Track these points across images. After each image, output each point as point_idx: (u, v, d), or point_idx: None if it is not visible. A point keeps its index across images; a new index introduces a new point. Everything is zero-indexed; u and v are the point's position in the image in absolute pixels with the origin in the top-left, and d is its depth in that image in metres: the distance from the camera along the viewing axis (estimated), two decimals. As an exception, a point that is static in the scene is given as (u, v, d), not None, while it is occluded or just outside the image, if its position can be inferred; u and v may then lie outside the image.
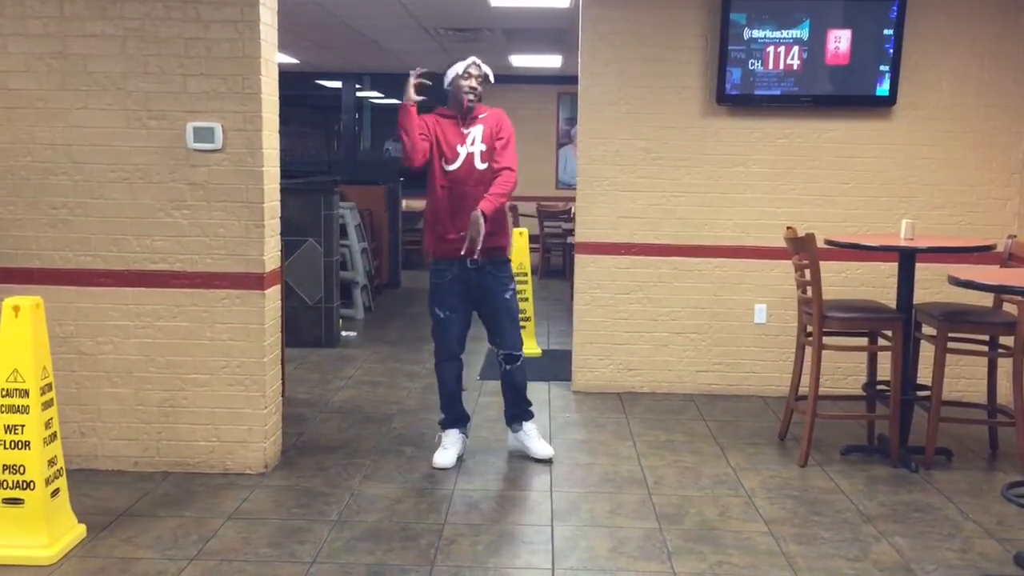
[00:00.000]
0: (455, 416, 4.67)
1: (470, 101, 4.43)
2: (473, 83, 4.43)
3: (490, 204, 4.30)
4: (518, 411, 4.70)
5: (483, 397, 5.78)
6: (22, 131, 4.20)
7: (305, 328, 7.13)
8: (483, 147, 4.43)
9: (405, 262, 11.29)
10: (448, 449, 4.58)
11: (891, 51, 5.54)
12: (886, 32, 5.52)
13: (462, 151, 4.41)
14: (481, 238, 4.23)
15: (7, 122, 4.19)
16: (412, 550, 3.57)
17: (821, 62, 5.58)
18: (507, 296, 4.55)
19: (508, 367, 4.62)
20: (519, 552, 3.59)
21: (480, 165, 4.42)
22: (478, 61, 4.48)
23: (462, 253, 4.33)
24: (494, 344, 4.65)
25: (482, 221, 4.24)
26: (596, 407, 5.65)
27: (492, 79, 4.53)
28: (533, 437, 4.67)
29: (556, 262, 12.03)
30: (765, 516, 3.96)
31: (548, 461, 4.59)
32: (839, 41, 5.56)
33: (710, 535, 3.76)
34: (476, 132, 4.45)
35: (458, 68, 4.44)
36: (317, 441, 4.90)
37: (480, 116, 4.49)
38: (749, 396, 5.89)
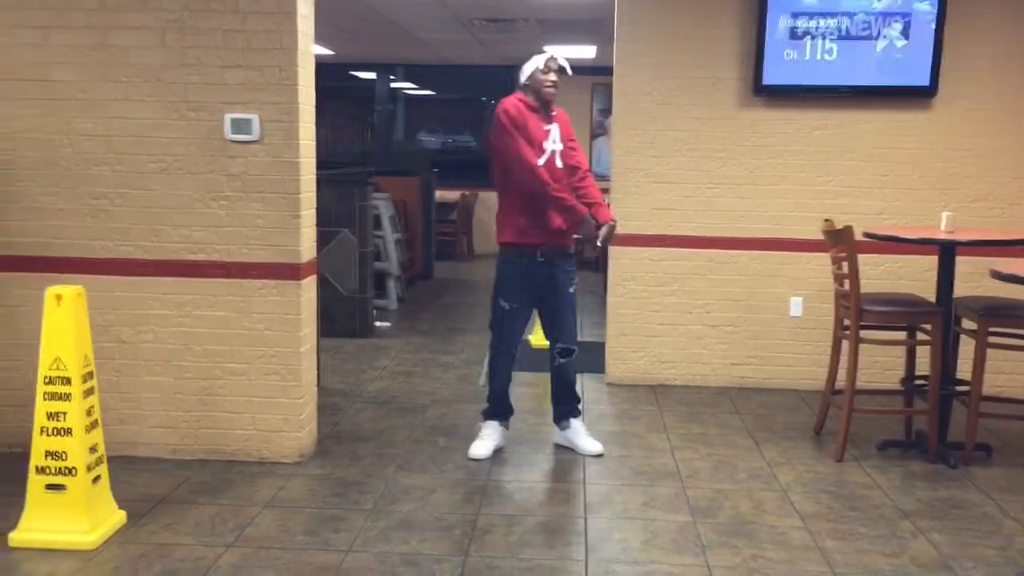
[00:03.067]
0: (500, 409, 4.68)
1: (552, 97, 4.42)
2: (553, 77, 4.41)
3: (606, 213, 4.56)
4: (567, 408, 4.70)
5: (516, 388, 5.78)
6: (63, 122, 4.25)
7: (340, 318, 7.17)
8: (560, 146, 4.45)
9: (439, 253, 11.32)
10: (485, 440, 4.59)
11: (932, 40, 5.45)
12: (927, 20, 5.44)
13: (547, 147, 4.40)
14: (593, 243, 4.46)
15: (49, 113, 4.25)
16: (446, 540, 3.59)
17: (859, 52, 5.51)
18: (571, 291, 4.56)
19: (563, 360, 4.62)
20: (553, 543, 3.60)
21: (559, 163, 4.43)
22: (556, 55, 4.46)
23: (574, 250, 4.54)
24: (551, 337, 4.64)
25: (594, 225, 4.44)
26: (629, 399, 5.64)
27: (570, 72, 4.51)
28: (582, 434, 4.66)
29: (590, 254, 11.98)
30: (800, 511, 3.93)
31: (599, 456, 4.58)
32: (878, 31, 5.48)
33: (744, 529, 3.74)
34: (555, 131, 4.45)
35: (538, 62, 4.41)
36: (352, 431, 4.94)
37: (554, 113, 4.51)
38: (784, 390, 5.84)
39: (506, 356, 4.61)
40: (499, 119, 4.37)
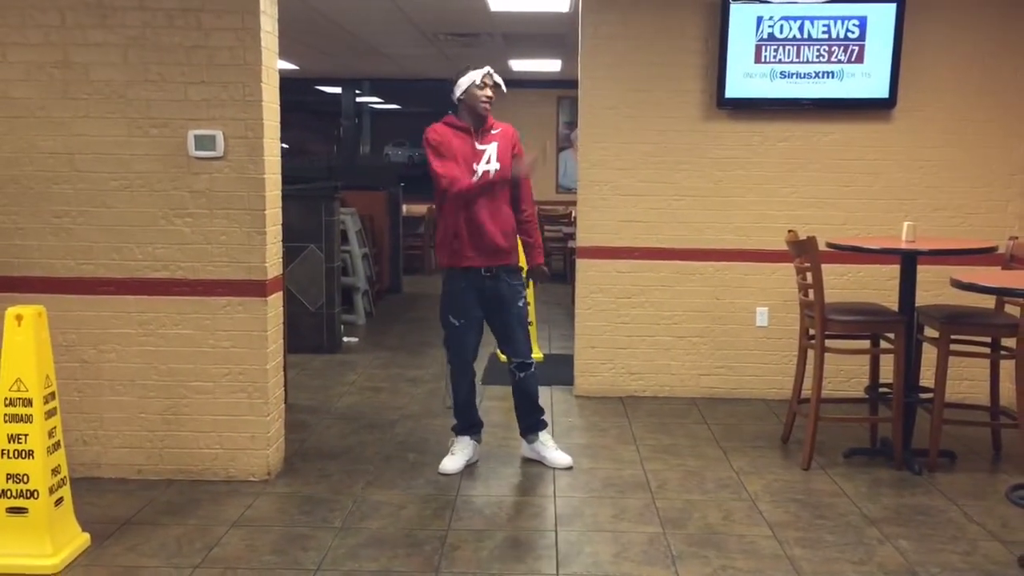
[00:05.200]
0: (468, 423, 4.66)
1: (486, 111, 4.38)
2: (489, 92, 4.37)
3: (538, 256, 4.69)
4: (532, 421, 4.69)
5: (485, 402, 5.78)
6: (24, 140, 4.20)
7: (307, 334, 7.13)
8: (498, 165, 4.37)
9: (406, 267, 11.29)
10: (456, 455, 4.58)
11: (891, 53, 5.54)
12: (886, 35, 5.52)
13: (478, 169, 4.34)
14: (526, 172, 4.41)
15: (9, 131, 4.20)
16: (416, 556, 3.57)
17: (821, 65, 5.58)
18: (520, 304, 4.54)
19: (521, 375, 4.61)
20: (523, 557, 3.59)
21: (493, 177, 4.36)
22: (491, 71, 4.40)
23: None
24: (505, 353, 4.64)
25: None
26: (598, 411, 5.65)
27: (504, 89, 4.47)
28: (550, 447, 4.66)
29: (557, 266, 12.01)
30: (769, 520, 3.96)
31: (569, 469, 4.58)
32: (839, 44, 5.56)
33: (714, 539, 3.75)
34: (491, 150, 4.38)
35: (474, 77, 4.34)
36: (320, 448, 4.90)
37: (494, 131, 4.45)
38: (751, 399, 5.88)
39: (463, 370, 4.59)
40: (423, 145, 4.39)
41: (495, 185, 4.36)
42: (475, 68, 4.38)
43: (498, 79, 4.44)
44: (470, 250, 4.37)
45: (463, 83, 4.37)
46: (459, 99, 4.41)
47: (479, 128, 4.41)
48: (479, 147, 4.38)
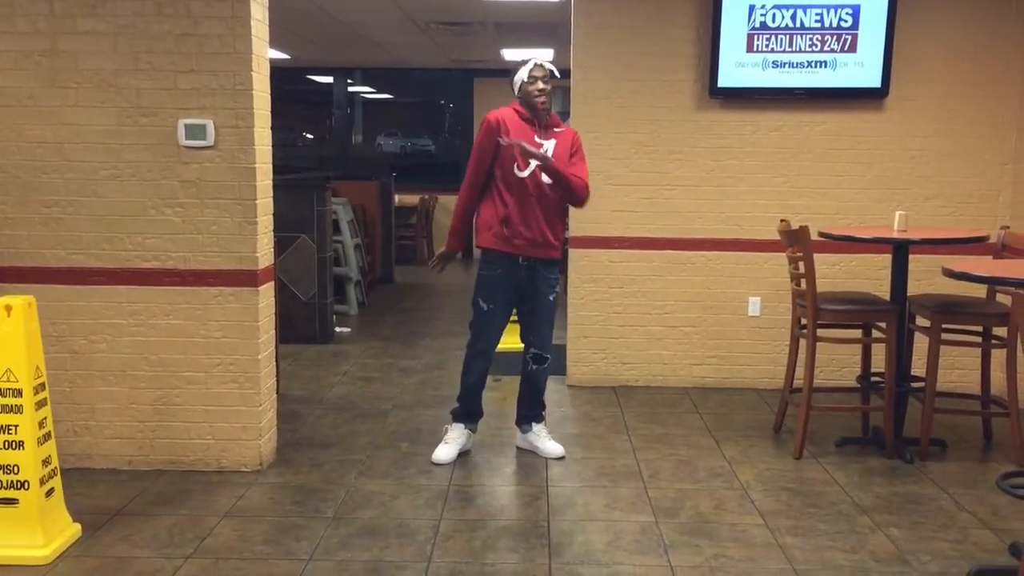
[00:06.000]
0: (469, 410, 4.65)
1: (543, 104, 4.34)
2: (541, 85, 4.32)
3: (574, 183, 4.34)
4: (532, 413, 4.69)
5: (478, 392, 5.78)
6: (11, 129, 4.17)
7: (299, 324, 7.11)
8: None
9: (399, 257, 11.28)
10: (449, 444, 4.57)
11: (883, 43, 5.54)
12: (879, 24, 5.52)
13: (533, 162, 4.31)
14: (525, 152, 4.25)
15: (-3, 120, 4.17)
16: (409, 546, 3.57)
17: (813, 54, 5.57)
18: (551, 298, 4.53)
19: (535, 367, 4.60)
20: (516, 547, 3.59)
21: (547, 180, 4.34)
22: (540, 61, 4.36)
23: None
24: (525, 341, 4.62)
25: (542, 160, 4.26)
26: (591, 401, 5.66)
27: (558, 74, 4.43)
28: (543, 437, 4.66)
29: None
30: (761, 508, 3.97)
31: (561, 459, 4.58)
32: (832, 33, 5.56)
33: (706, 528, 3.76)
34: (550, 147, 4.35)
35: (523, 75, 4.32)
36: (312, 438, 4.90)
37: (557, 129, 4.42)
38: (743, 389, 5.89)
39: (481, 356, 4.58)
40: (482, 127, 4.36)
41: (545, 185, 4.32)
42: (525, 63, 4.35)
43: (550, 66, 4.39)
44: (518, 239, 4.35)
45: (516, 81, 4.37)
46: (519, 97, 4.40)
47: (542, 124, 4.39)
48: (538, 140, 4.35)
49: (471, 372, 4.60)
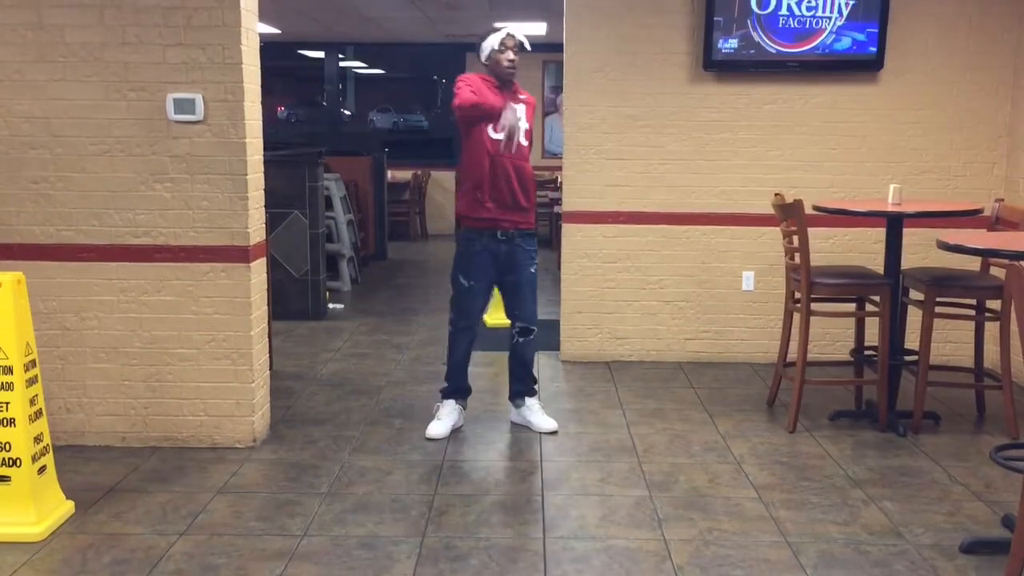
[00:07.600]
0: (457, 387, 4.65)
1: (510, 73, 4.37)
2: (511, 55, 4.35)
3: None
4: (523, 387, 4.69)
5: (472, 368, 5.76)
6: (-1, 104, 4.13)
7: (292, 301, 7.09)
8: (527, 125, 4.41)
9: (391, 233, 11.24)
10: (442, 420, 4.57)
11: (877, 15, 5.50)
12: (873, -5, 5.48)
13: (505, 121, 4.32)
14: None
15: (-17, 95, 4.12)
16: (403, 521, 3.57)
17: (807, 27, 5.53)
18: (532, 270, 4.55)
19: (521, 339, 4.61)
20: (510, 522, 3.60)
21: (523, 141, 4.39)
22: (511, 31, 4.37)
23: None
24: (511, 316, 4.63)
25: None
26: (585, 376, 5.65)
27: (528, 47, 4.45)
28: (536, 411, 4.66)
29: (543, 231, 11.98)
30: (754, 482, 3.97)
31: (555, 433, 4.58)
32: (825, 5, 5.51)
33: (700, 502, 3.77)
34: (521, 111, 4.40)
35: (493, 42, 4.34)
36: (306, 414, 4.89)
37: (521, 96, 4.46)
38: (737, 363, 5.90)
39: (465, 332, 4.59)
40: (454, 86, 4.34)
41: (513, 140, 4.33)
42: (496, 31, 4.36)
43: (521, 38, 4.41)
44: (490, 201, 4.36)
45: (485, 48, 4.37)
46: (485, 64, 4.40)
47: (507, 92, 4.41)
48: (512, 105, 4.37)
49: (456, 349, 4.61)
